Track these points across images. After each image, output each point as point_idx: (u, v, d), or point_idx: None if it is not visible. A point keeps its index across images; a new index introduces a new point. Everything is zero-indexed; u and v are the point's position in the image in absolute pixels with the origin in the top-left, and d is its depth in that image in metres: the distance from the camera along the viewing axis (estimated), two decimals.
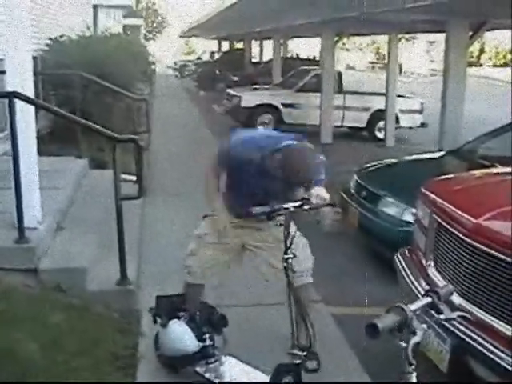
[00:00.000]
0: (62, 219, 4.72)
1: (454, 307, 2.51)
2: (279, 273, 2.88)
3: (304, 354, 2.64)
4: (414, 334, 1.47)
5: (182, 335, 3.11)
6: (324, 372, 3.26)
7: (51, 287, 3.81)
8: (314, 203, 2.73)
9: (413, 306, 1.52)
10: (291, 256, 2.71)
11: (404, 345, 1.46)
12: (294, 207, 2.69)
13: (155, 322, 3.25)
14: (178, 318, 3.18)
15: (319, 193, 2.74)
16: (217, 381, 2.99)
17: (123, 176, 4.33)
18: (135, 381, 3.15)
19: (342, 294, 4.55)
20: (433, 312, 1.58)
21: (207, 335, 3.12)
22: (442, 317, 1.59)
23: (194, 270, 3.27)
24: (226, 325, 3.21)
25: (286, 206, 2.68)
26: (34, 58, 6.27)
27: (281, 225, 2.72)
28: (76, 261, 4.02)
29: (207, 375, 3.05)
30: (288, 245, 2.71)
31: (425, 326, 1.49)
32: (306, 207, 2.72)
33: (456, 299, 2.72)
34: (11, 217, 3.97)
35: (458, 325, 2.65)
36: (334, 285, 4.62)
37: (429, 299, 1.59)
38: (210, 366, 3.10)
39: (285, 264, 2.71)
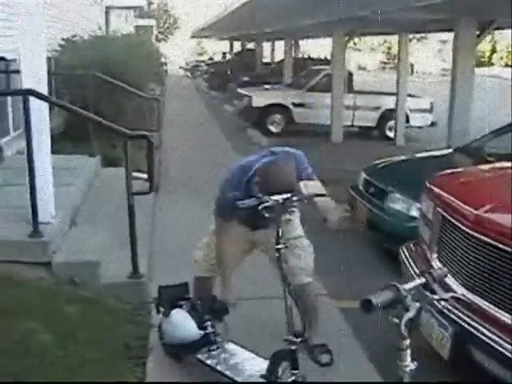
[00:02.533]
0: (75, 215, 4.83)
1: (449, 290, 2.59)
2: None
3: (299, 340, 2.70)
4: (408, 310, 1.54)
5: (183, 324, 3.18)
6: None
7: (65, 280, 3.91)
8: (304, 194, 2.74)
9: (407, 285, 1.59)
10: (282, 246, 2.76)
11: (397, 321, 1.54)
12: (283, 199, 2.72)
13: (158, 311, 3.32)
14: (180, 306, 3.25)
15: (309, 183, 2.75)
16: (218, 367, 3.06)
17: (135, 174, 4.42)
18: (146, 369, 3.24)
19: (350, 288, 4.60)
20: (427, 292, 1.65)
21: (208, 323, 3.19)
22: (435, 297, 1.66)
23: (201, 263, 3.37)
24: (227, 312, 3.28)
25: (274, 197, 2.71)
26: (48, 58, 6.40)
27: (268, 217, 2.77)
28: (89, 254, 4.11)
29: (209, 362, 3.11)
30: (279, 235, 2.75)
31: (418, 304, 1.56)
32: (295, 198, 2.75)
33: (458, 289, 2.79)
34: (26, 212, 4.07)
35: (459, 313, 2.72)
36: (343, 279, 4.69)
37: (423, 280, 1.66)
38: (212, 353, 3.16)
39: (277, 254, 2.76)
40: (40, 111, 4.15)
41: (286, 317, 2.75)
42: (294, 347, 2.70)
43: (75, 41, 9.12)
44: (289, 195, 2.74)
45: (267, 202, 2.70)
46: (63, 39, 9.05)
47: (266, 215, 2.73)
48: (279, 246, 2.77)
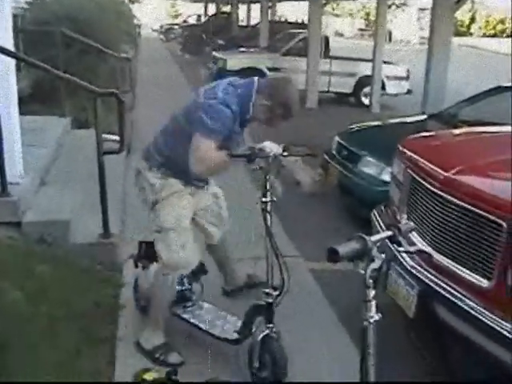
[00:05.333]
0: (44, 175, 4.77)
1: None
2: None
3: (277, 293, 2.75)
4: (373, 261, 1.57)
5: None
6: (300, 322, 3.42)
7: (35, 239, 3.88)
8: (293, 151, 2.81)
9: (374, 238, 1.61)
10: (269, 199, 2.78)
11: (363, 272, 1.56)
12: (275, 153, 2.76)
13: (136, 266, 3.32)
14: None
15: (274, 145, 2.82)
16: (193, 321, 3.09)
17: (106, 136, 4.35)
18: (117, 326, 3.26)
19: (320, 250, 4.66)
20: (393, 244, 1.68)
21: (185, 280, 3.22)
22: (401, 249, 1.68)
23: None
24: (206, 273, 3.31)
25: (267, 149, 2.74)
26: (14, 16, 6.21)
27: (260, 168, 2.79)
28: (59, 214, 4.07)
29: (184, 316, 3.16)
30: (268, 188, 2.78)
31: (383, 255, 1.58)
32: (285, 154, 2.79)
33: (425, 248, 2.84)
34: None
35: (425, 272, 2.78)
36: (313, 241, 4.74)
37: (390, 233, 1.68)
38: (187, 309, 3.21)
39: (262, 207, 2.78)
40: (6, 68, 4.05)
41: (267, 270, 2.78)
42: (271, 300, 2.75)
43: None
44: (281, 151, 2.78)
45: (257, 153, 2.72)
46: None
47: (257, 167, 2.75)
48: (266, 199, 2.77)
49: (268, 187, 2.78)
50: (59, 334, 3.03)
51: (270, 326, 2.77)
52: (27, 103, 5.92)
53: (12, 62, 4.25)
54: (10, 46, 4.21)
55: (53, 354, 2.86)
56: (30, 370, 2.67)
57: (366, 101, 13.39)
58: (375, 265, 1.55)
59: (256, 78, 2.88)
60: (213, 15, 29.93)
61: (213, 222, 3.30)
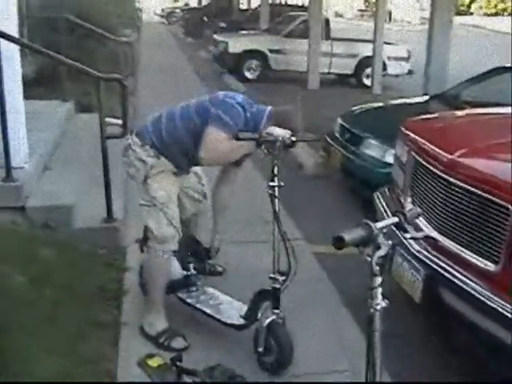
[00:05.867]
0: (48, 160, 4.76)
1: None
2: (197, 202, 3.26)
3: (284, 278, 2.75)
4: (379, 248, 1.56)
5: None
6: (305, 307, 3.42)
7: (39, 224, 3.88)
8: (300, 136, 2.83)
9: (380, 224, 1.60)
10: (276, 184, 2.78)
11: (369, 259, 1.56)
12: (283, 138, 2.75)
13: (142, 250, 3.29)
14: None
15: (278, 129, 2.84)
16: (198, 306, 3.10)
17: (109, 119, 4.33)
18: (121, 310, 3.27)
19: (324, 233, 4.65)
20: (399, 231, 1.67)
21: (191, 265, 3.22)
22: (407, 235, 1.68)
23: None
24: (210, 258, 3.31)
25: (275, 133, 2.75)
26: (19, 1, 6.15)
27: (268, 152, 2.79)
28: (63, 199, 4.07)
29: (189, 301, 3.16)
30: (275, 172, 2.77)
31: (390, 242, 1.58)
32: (293, 139, 2.78)
33: (430, 232, 2.84)
34: None
35: (431, 256, 2.77)
36: (317, 224, 4.73)
37: (396, 219, 1.67)
38: (192, 293, 3.20)
39: (270, 191, 2.78)
40: (11, 55, 4.02)
41: (273, 255, 2.79)
42: (277, 285, 2.75)
43: None
44: (288, 136, 2.77)
45: (266, 137, 2.74)
46: None
47: (264, 151, 2.77)
48: (274, 184, 2.78)
49: (276, 172, 2.78)
50: (63, 318, 3.03)
51: (276, 311, 2.78)
52: (31, 88, 5.90)
53: (17, 46, 4.23)
54: (15, 32, 4.20)
55: (56, 337, 2.87)
56: (33, 353, 2.68)
57: (367, 82, 13.32)
58: (381, 252, 1.55)
59: (270, 108, 2.98)
60: None
61: (196, 198, 3.30)
